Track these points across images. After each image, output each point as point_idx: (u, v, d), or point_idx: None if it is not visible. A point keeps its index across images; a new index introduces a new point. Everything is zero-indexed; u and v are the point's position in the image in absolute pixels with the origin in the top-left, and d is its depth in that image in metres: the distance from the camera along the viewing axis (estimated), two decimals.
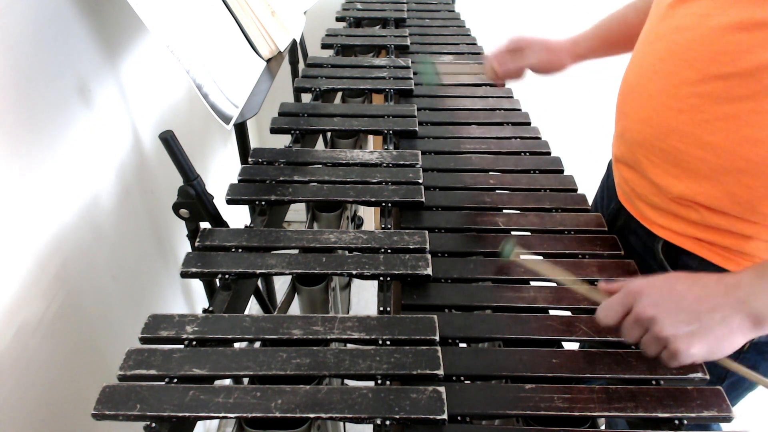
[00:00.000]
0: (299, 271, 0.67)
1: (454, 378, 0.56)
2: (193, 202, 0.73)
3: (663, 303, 0.54)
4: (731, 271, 0.64)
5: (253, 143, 1.12)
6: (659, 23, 0.68)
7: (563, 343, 0.63)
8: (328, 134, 1.11)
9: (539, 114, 1.02)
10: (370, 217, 1.77)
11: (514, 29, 1.13)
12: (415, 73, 1.03)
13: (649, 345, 0.55)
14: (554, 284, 0.68)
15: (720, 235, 0.66)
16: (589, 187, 0.91)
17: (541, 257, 0.72)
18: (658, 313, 0.53)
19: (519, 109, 1.04)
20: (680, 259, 0.71)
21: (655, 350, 0.55)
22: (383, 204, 0.79)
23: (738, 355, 0.69)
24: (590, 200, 0.86)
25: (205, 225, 0.75)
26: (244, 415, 0.51)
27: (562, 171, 0.88)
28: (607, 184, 0.88)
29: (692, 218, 0.68)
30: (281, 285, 1.66)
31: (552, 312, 0.65)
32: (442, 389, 0.53)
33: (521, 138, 0.96)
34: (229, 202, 0.79)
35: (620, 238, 0.78)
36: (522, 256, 0.70)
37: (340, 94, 1.19)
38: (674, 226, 0.71)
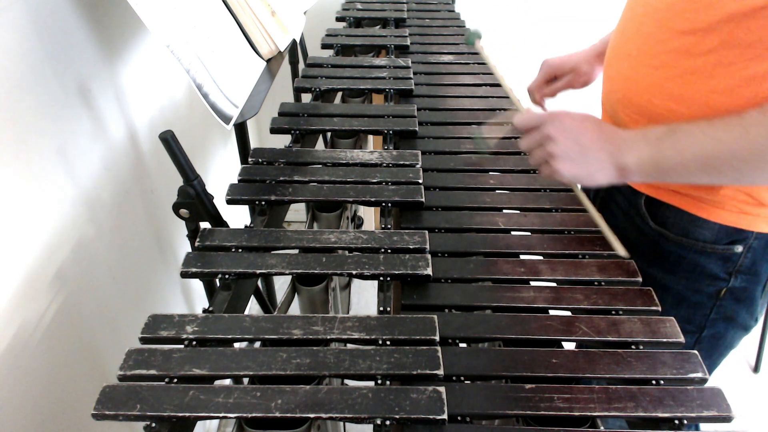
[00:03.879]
0: (299, 271, 0.67)
1: (454, 378, 0.56)
2: (193, 202, 0.73)
3: (567, 131, 0.67)
4: (708, 221, 0.74)
5: (253, 143, 1.12)
6: None
7: (563, 343, 0.63)
8: (328, 134, 1.11)
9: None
10: (370, 217, 1.77)
11: (513, 31, 1.13)
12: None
13: (537, 157, 0.69)
14: (554, 284, 0.68)
15: (693, 186, 0.73)
16: None
17: (541, 257, 0.72)
18: (559, 137, 0.66)
19: (519, 109, 1.04)
20: (660, 212, 0.78)
21: (539, 160, 0.69)
22: (383, 204, 0.79)
23: (715, 302, 0.79)
24: None
25: (205, 225, 0.75)
26: (244, 415, 0.51)
27: None
28: None
29: None
30: (281, 285, 1.66)
31: (552, 312, 0.65)
32: (442, 389, 0.53)
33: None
34: (229, 202, 0.79)
35: (608, 199, 0.86)
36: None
37: (340, 94, 1.19)
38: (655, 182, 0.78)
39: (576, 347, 0.73)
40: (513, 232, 0.76)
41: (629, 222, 0.81)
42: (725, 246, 0.74)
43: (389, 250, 0.70)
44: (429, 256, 0.69)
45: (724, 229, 0.73)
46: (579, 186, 0.74)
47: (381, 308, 0.64)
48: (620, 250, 0.70)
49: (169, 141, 0.69)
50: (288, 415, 0.51)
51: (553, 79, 0.97)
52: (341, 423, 0.75)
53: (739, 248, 0.74)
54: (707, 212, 0.73)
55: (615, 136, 0.66)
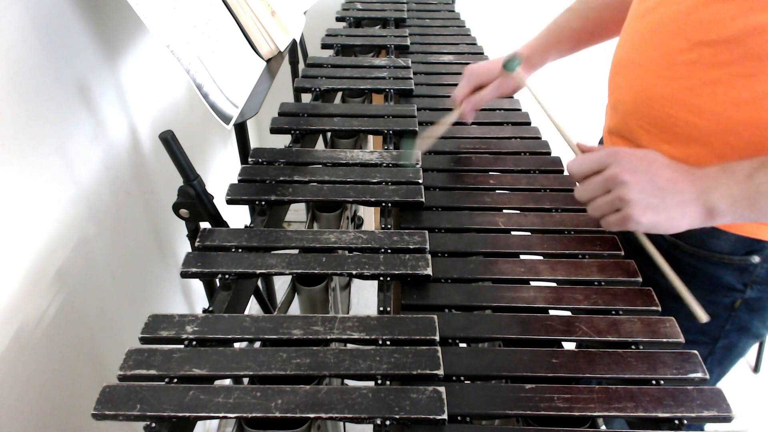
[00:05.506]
0: (299, 271, 0.67)
1: (454, 378, 0.56)
2: (193, 202, 0.73)
3: (639, 172, 0.59)
4: (725, 232, 0.70)
5: (253, 143, 1.12)
6: None
7: (563, 343, 0.63)
8: (328, 134, 1.11)
9: (535, 101, 1.05)
10: (370, 217, 1.77)
11: (513, 31, 1.14)
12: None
13: (603, 205, 0.60)
14: (554, 284, 0.68)
15: None
16: None
17: (541, 257, 0.72)
18: (631, 179, 0.58)
19: (519, 109, 1.04)
20: None
21: (606, 211, 0.60)
22: (383, 204, 0.79)
23: (730, 313, 0.76)
24: None
25: (205, 225, 0.75)
26: (244, 415, 0.51)
27: (562, 171, 0.88)
28: None
29: None
30: (281, 285, 1.66)
31: (552, 312, 0.65)
32: (442, 389, 0.53)
33: (521, 138, 0.96)
34: (229, 202, 0.78)
35: None
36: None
37: (340, 94, 1.19)
38: None
39: (576, 347, 0.73)
40: (513, 232, 0.76)
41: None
42: (742, 257, 0.72)
43: (389, 250, 0.70)
44: (429, 256, 0.69)
45: (741, 239, 0.71)
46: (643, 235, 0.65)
47: (381, 308, 0.64)
48: (702, 316, 0.61)
49: (169, 141, 0.69)
50: (288, 415, 0.51)
51: (479, 88, 0.90)
52: (341, 423, 0.75)
53: (756, 259, 0.72)
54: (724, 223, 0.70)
55: (694, 174, 0.59)
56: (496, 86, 0.88)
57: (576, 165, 0.63)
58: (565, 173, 0.88)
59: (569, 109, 1.01)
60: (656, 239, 0.76)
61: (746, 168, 0.57)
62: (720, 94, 0.63)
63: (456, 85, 1.12)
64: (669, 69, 0.67)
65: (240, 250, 0.70)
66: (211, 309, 0.65)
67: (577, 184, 0.66)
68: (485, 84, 0.90)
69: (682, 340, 0.61)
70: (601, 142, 0.93)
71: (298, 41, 1.24)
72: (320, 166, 0.85)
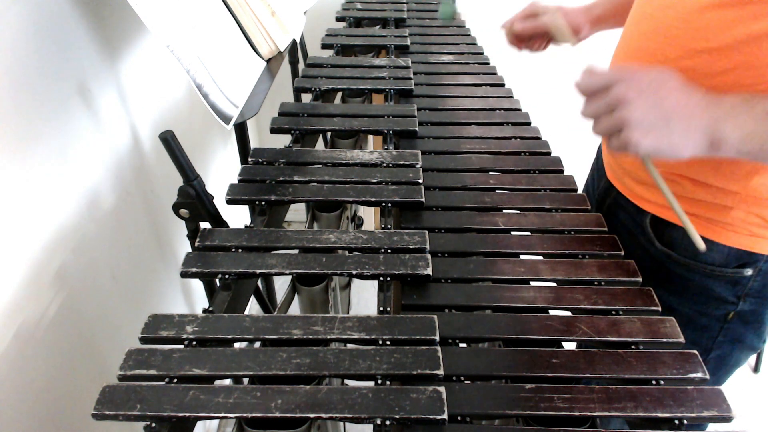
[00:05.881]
0: (299, 271, 0.67)
1: (454, 378, 0.56)
2: (193, 202, 0.73)
3: (646, 93, 0.54)
4: (718, 244, 0.70)
5: (253, 143, 1.12)
6: (645, 4, 0.71)
7: (563, 343, 0.63)
8: (328, 134, 1.11)
9: (535, 101, 1.05)
10: (370, 217, 1.77)
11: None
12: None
13: (606, 125, 0.56)
14: (554, 284, 0.68)
15: (704, 207, 0.70)
16: (582, 172, 0.96)
17: (541, 257, 0.72)
18: (636, 99, 0.54)
19: (519, 109, 1.04)
20: (666, 232, 0.75)
21: (608, 130, 0.56)
22: (383, 204, 0.79)
23: (723, 324, 0.75)
24: (581, 184, 0.90)
25: (205, 225, 0.75)
26: (244, 415, 0.51)
27: (562, 171, 0.88)
28: (597, 166, 0.92)
29: (678, 192, 0.70)
30: (281, 285, 1.66)
31: (552, 312, 0.65)
32: (442, 389, 0.53)
33: (521, 138, 0.96)
34: (229, 202, 0.79)
35: (610, 215, 0.83)
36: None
37: (340, 94, 1.19)
38: (661, 200, 0.73)
39: (576, 347, 0.73)
40: (513, 232, 0.76)
41: (634, 241, 0.78)
42: (735, 269, 0.72)
43: (389, 250, 0.70)
44: (429, 256, 0.69)
45: (734, 252, 0.70)
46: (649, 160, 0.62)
47: (381, 308, 0.64)
48: (701, 244, 0.60)
49: (169, 141, 0.69)
50: (288, 415, 0.51)
51: (534, 18, 0.89)
52: (341, 423, 0.75)
53: (749, 271, 0.71)
54: (717, 235, 0.70)
55: (710, 103, 0.55)
56: (548, 20, 0.87)
57: (584, 81, 0.59)
58: (566, 173, 0.88)
59: (565, 111, 1.01)
60: (648, 248, 0.77)
61: (765, 102, 0.54)
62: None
63: (456, 85, 1.13)
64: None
65: (240, 250, 0.70)
66: (211, 309, 0.65)
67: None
68: (537, 14, 0.88)
69: (682, 340, 0.61)
70: (599, 149, 0.94)
71: (298, 41, 1.24)
72: (320, 166, 0.85)
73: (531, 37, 0.91)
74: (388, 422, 0.51)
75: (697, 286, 0.75)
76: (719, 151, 0.56)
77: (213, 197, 0.76)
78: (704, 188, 0.69)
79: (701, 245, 0.60)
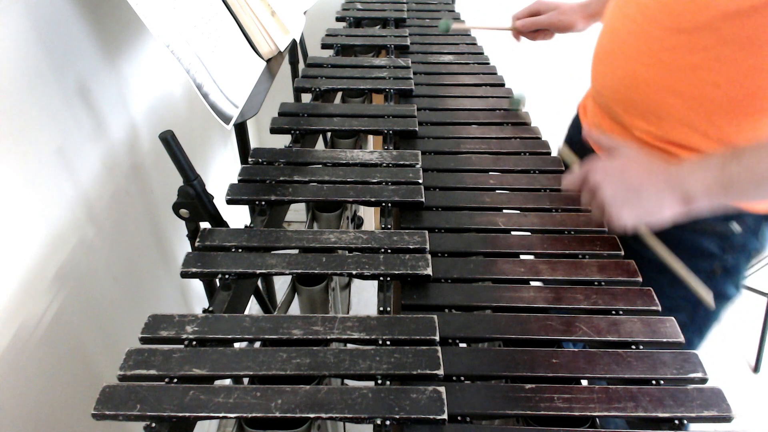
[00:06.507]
0: (299, 271, 0.67)
1: (454, 378, 0.56)
2: (193, 202, 0.73)
3: (611, 175, 0.65)
4: None
5: (253, 143, 1.12)
6: None
7: (563, 343, 0.63)
8: (328, 134, 1.11)
9: (535, 101, 1.10)
10: (370, 217, 1.77)
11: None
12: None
13: (595, 210, 0.67)
14: (554, 284, 0.68)
15: None
16: None
17: (541, 257, 0.72)
18: (604, 182, 0.65)
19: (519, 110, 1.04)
20: None
21: (599, 212, 0.67)
22: (383, 204, 0.79)
23: (710, 278, 0.80)
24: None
25: (205, 225, 0.75)
26: (244, 415, 0.51)
27: (562, 171, 0.88)
28: (579, 139, 0.95)
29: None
30: (281, 285, 1.66)
31: (552, 312, 0.65)
32: (442, 389, 0.53)
33: (521, 138, 0.96)
34: (229, 202, 0.79)
35: None
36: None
37: (340, 94, 1.19)
38: None
39: (573, 346, 0.73)
40: (513, 232, 0.76)
41: None
42: (722, 224, 0.78)
43: (389, 250, 0.70)
44: (429, 256, 0.69)
45: (722, 208, 0.75)
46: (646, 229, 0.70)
47: (381, 308, 0.64)
48: (707, 296, 0.66)
49: (169, 141, 0.69)
50: (288, 415, 0.51)
51: (537, 14, 1.04)
52: (341, 423, 0.75)
53: (735, 226, 0.78)
54: None
55: (668, 170, 0.64)
56: (550, 17, 1.03)
57: (566, 180, 0.71)
58: (563, 169, 0.88)
59: (566, 111, 1.04)
60: None
61: (718, 161, 0.62)
62: (699, 77, 0.69)
63: (456, 85, 1.13)
64: (650, 56, 0.73)
65: (240, 250, 0.70)
66: (211, 309, 0.65)
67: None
68: (543, 11, 1.04)
69: (682, 339, 0.61)
70: (574, 121, 1.00)
71: (298, 41, 1.24)
72: (320, 166, 0.85)
73: (533, 31, 1.06)
74: (388, 422, 0.51)
75: (688, 243, 0.80)
76: (693, 204, 0.63)
77: (213, 197, 0.76)
78: (695, 154, 0.75)
79: (711, 303, 0.66)
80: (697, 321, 0.87)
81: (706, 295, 0.66)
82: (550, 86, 1.66)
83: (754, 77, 0.66)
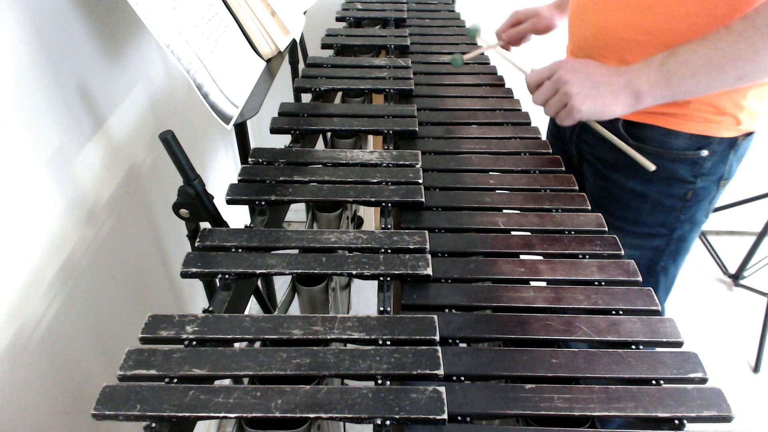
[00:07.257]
0: (299, 271, 0.67)
1: (454, 378, 0.56)
2: (193, 202, 0.73)
3: (578, 72, 0.78)
4: (681, 132, 0.87)
5: (253, 143, 1.12)
6: None
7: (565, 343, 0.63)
8: (328, 134, 1.11)
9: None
10: (370, 217, 1.77)
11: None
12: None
13: (554, 103, 0.79)
14: (555, 284, 0.68)
15: (667, 105, 0.82)
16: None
17: (541, 257, 0.72)
18: (571, 78, 0.77)
19: (519, 109, 1.04)
20: (637, 131, 0.91)
21: (557, 108, 0.79)
22: (383, 204, 0.79)
23: (683, 203, 0.94)
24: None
25: (205, 225, 0.75)
26: (244, 415, 0.51)
27: (562, 171, 0.88)
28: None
29: None
30: (281, 285, 1.66)
31: (552, 312, 0.65)
32: (442, 389, 0.53)
33: (521, 138, 0.96)
34: (229, 202, 0.79)
35: (582, 130, 1.00)
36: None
37: (340, 94, 1.19)
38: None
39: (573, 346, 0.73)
40: (513, 232, 0.76)
41: (608, 145, 0.89)
42: (694, 152, 0.88)
43: (389, 250, 0.70)
44: (429, 256, 0.69)
45: (693, 137, 0.87)
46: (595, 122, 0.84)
47: (381, 308, 0.64)
48: (649, 165, 0.81)
49: (169, 141, 0.69)
50: (288, 415, 0.51)
51: (518, 24, 1.13)
52: (341, 423, 0.75)
53: (705, 153, 0.88)
54: (679, 125, 0.87)
55: (621, 70, 0.76)
56: (532, 24, 1.11)
57: (531, 76, 0.81)
58: (564, 169, 0.88)
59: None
60: (622, 150, 0.90)
61: (659, 58, 0.74)
62: (662, 13, 0.80)
63: (456, 85, 1.13)
64: (618, 1, 0.84)
65: (240, 250, 0.70)
66: (211, 309, 0.65)
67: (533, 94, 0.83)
68: (523, 20, 1.12)
69: (681, 339, 0.61)
70: None
71: (298, 41, 1.24)
72: (320, 166, 0.85)
73: (519, 40, 1.16)
74: (388, 422, 0.51)
75: (664, 171, 0.89)
76: (640, 101, 0.75)
77: (213, 197, 0.76)
78: None
79: (650, 166, 0.81)
80: (672, 245, 0.97)
81: (649, 164, 0.81)
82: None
83: (700, 7, 0.76)
